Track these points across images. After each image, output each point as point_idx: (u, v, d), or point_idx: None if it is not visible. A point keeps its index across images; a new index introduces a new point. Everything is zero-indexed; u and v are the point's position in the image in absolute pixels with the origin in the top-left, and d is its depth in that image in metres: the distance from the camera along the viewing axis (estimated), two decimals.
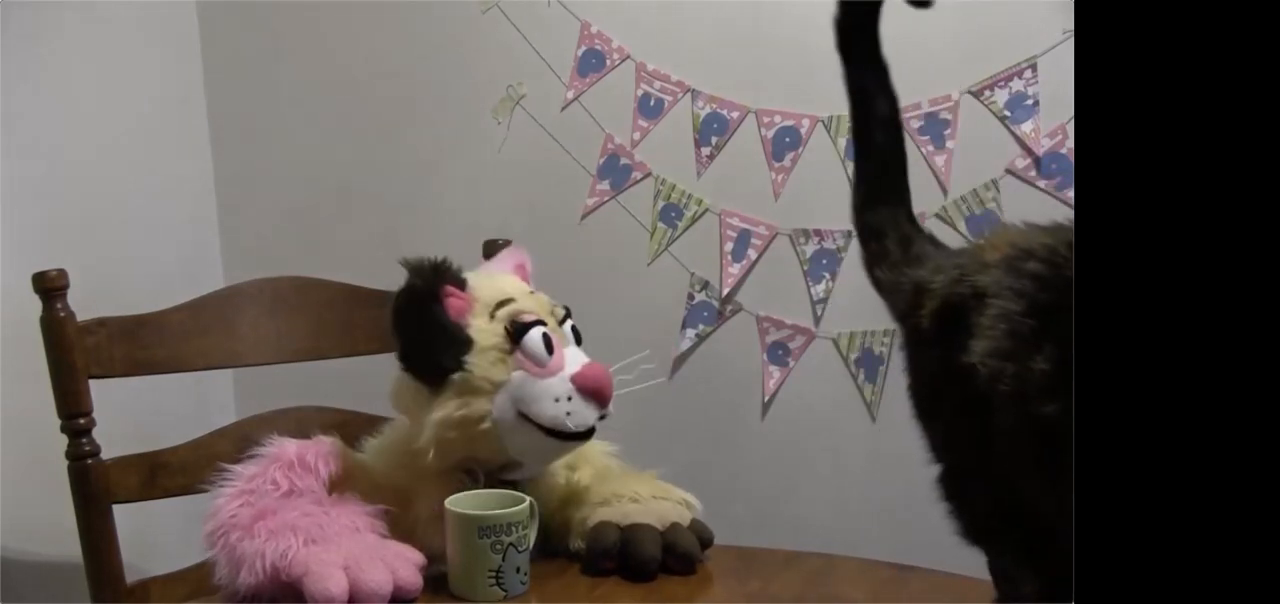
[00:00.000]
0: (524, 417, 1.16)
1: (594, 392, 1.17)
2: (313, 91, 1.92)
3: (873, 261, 0.96)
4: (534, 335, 1.16)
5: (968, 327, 0.81)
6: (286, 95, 1.93)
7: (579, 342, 1.23)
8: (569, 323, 1.23)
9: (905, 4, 0.94)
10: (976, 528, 0.87)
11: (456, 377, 1.15)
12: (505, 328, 1.17)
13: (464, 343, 1.16)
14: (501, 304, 1.19)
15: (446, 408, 1.15)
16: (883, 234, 0.95)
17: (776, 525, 1.71)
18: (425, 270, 1.16)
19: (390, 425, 1.28)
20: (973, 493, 0.87)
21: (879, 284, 0.95)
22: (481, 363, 1.15)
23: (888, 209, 0.96)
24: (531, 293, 1.25)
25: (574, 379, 1.17)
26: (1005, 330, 0.78)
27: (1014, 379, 0.77)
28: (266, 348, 1.49)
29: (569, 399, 1.16)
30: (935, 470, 0.89)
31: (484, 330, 1.17)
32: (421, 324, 1.15)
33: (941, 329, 0.85)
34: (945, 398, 0.87)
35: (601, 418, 1.19)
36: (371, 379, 1.30)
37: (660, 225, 1.77)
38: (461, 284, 1.19)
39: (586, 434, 1.19)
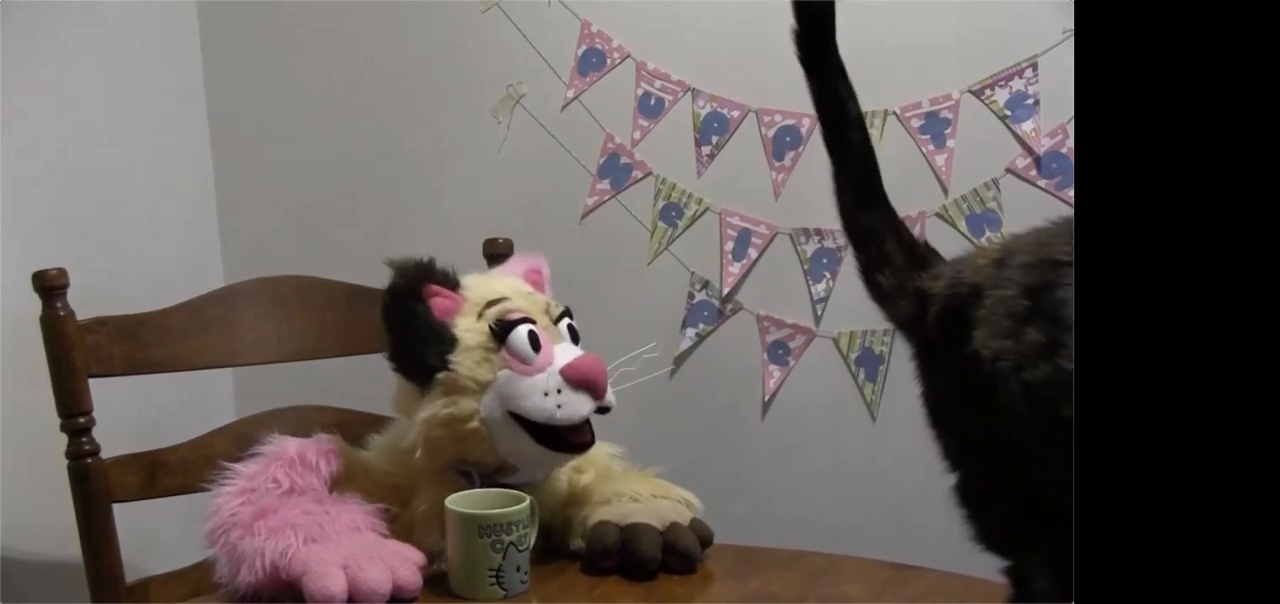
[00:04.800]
0: (514, 416, 1.15)
1: (585, 382, 1.15)
2: (313, 91, 1.92)
3: (873, 266, 0.94)
4: (518, 333, 1.15)
5: (969, 322, 0.83)
6: (286, 95, 1.93)
7: (576, 341, 1.22)
8: (566, 322, 1.23)
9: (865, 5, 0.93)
10: (993, 533, 0.87)
11: (442, 376, 1.15)
12: (490, 326, 1.16)
13: (448, 342, 1.15)
14: (491, 304, 1.18)
15: (433, 407, 1.15)
16: (882, 238, 0.94)
17: (776, 525, 1.71)
18: (408, 269, 1.16)
19: (394, 423, 1.27)
20: (988, 497, 0.87)
21: (879, 289, 0.94)
22: (466, 362, 1.15)
23: (880, 211, 0.95)
24: (528, 293, 1.24)
25: (563, 371, 1.15)
26: (1002, 313, 0.81)
27: (1012, 354, 0.80)
28: (266, 348, 1.49)
29: (558, 391, 1.15)
30: (950, 480, 0.89)
31: (470, 329, 1.16)
32: (405, 323, 1.15)
33: (947, 331, 0.86)
34: (958, 401, 0.87)
35: (602, 411, 1.18)
36: (371, 379, 1.30)
37: (660, 225, 1.77)
38: (453, 284, 1.19)
39: (581, 445, 1.18)
